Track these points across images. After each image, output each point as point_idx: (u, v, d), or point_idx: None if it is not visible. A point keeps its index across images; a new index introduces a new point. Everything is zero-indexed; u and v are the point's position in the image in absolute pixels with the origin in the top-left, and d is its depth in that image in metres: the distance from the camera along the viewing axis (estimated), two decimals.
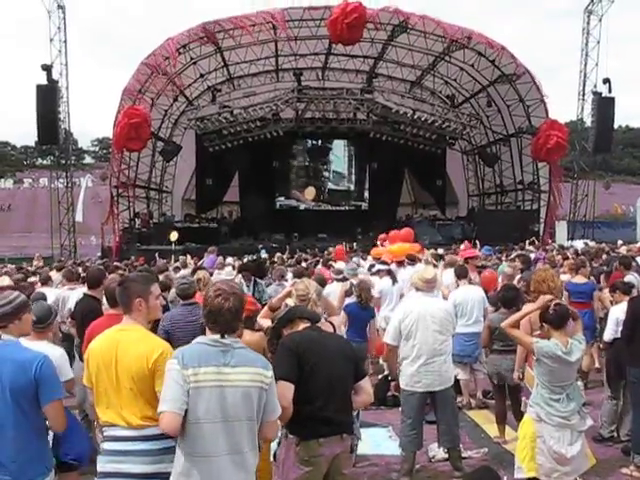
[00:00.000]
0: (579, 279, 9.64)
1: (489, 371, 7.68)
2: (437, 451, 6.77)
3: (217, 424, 3.39)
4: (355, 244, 22.76)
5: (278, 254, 18.20)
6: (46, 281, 10.71)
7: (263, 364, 3.56)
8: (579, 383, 5.49)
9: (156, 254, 20.60)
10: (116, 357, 3.82)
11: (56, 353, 4.90)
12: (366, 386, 4.33)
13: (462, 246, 15.71)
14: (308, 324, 4.33)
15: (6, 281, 10.41)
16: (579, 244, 20.33)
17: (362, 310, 8.45)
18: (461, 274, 9.64)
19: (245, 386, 3.43)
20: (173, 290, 8.09)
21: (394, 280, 10.43)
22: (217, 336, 3.53)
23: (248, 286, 9.50)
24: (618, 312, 7.07)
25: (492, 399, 8.77)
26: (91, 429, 6.07)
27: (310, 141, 34.10)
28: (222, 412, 3.39)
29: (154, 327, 4.98)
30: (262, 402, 3.49)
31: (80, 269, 13.50)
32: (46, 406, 3.83)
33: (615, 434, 7.19)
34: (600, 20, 30.05)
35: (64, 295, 9.17)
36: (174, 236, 24.30)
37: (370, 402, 4.53)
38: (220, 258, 15.91)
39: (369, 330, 8.63)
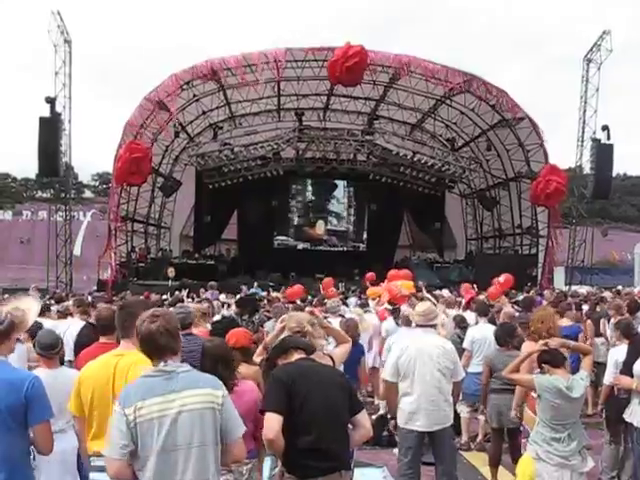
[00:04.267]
0: (565, 322, 9.59)
1: (489, 412, 7.55)
2: None
3: (169, 454, 3.28)
4: (342, 285, 22.45)
5: (274, 293, 18.09)
6: (44, 312, 10.63)
7: (212, 384, 3.46)
8: None
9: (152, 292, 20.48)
10: (113, 381, 3.75)
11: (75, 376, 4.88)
12: (363, 420, 4.18)
13: (462, 289, 15.68)
14: (302, 355, 4.25)
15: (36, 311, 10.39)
16: (582, 290, 20.28)
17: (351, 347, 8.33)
18: (482, 312, 9.59)
19: (194, 409, 3.32)
20: None
21: (397, 319, 10.29)
22: (161, 364, 3.43)
23: (244, 320, 9.49)
24: (617, 354, 6.98)
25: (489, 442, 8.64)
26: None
27: (313, 179, 34.09)
28: (172, 441, 3.28)
29: None
30: (217, 424, 3.37)
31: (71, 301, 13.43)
32: (35, 426, 3.77)
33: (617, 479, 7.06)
34: (599, 68, 30.38)
35: (59, 325, 9.14)
36: (172, 272, 24.23)
37: (369, 437, 4.36)
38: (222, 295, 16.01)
39: (359, 368, 8.55)
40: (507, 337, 7.39)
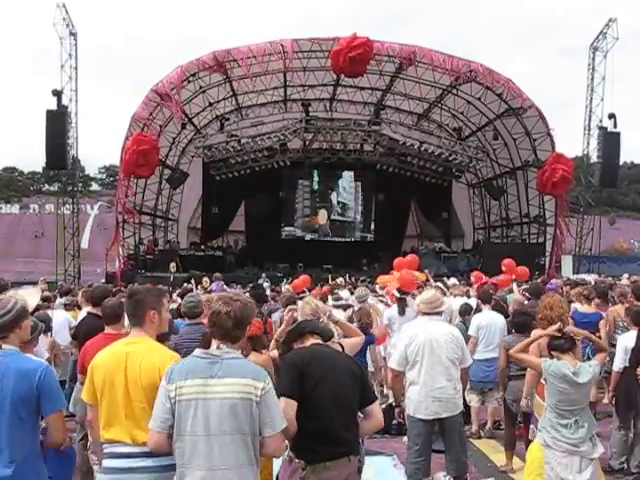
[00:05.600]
0: (587, 308, 9.54)
1: (509, 398, 7.53)
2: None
3: (199, 437, 3.33)
4: (346, 276, 22.26)
5: (286, 286, 17.92)
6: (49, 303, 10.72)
7: (254, 374, 3.45)
8: None
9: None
10: (125, 369, 3.75)
11: None
12: (375, 410, 4.19)
13: (473, 276, 15.69)
14: (318, 340, 4.25)
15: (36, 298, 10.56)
16: (589, 278, 20.23)
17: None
18: (485, 299, 9.59)
19: (231, 397, 3.35)
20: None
21: (402, 308, 10.26)
22: (214, 346, 3.49)
23: (261, 312, 9.53)
24: (626, 340, 7.00)
25: (501, 429, 8.67)
26: (84, 449, 6.00)
27: (318, 170, 34.05)
28: (205, 425, 3.33)
29: None
30: (255, 414, 3.38)
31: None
32: (49, 416, 3.79)
33: (625, 465, 7.07)
34: (605, 57, 30.31)
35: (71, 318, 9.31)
36: (173, 267, 24.36)
37: (381, 427, 4.38)
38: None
39: (369, 355, 8.57)
40: (524, 327, 7.38)
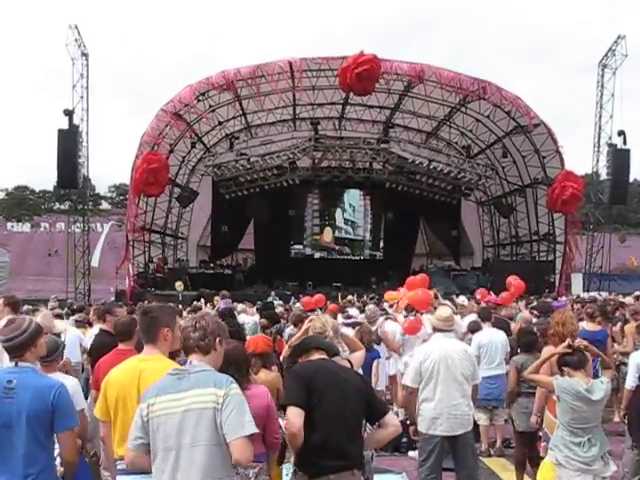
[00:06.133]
0: (592, 326, 9.51)
1: (514, 415, 7.51)
2: None
3: (171, 452, 3.33)
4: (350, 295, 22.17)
5: (297, 304, 17.92)
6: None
7: (218, 383, 3.43)
8: None
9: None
10: (138, 386, 3.79)
11: (70, 382, 4.90)
12: (392, 419, 4.26)
13: (477, 293, 15.70)
14: (323, 355, 4.29)
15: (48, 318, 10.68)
16: (599, 297, 20.16)
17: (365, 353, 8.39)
18: (485, 317, 9.61)
19: (198, 408, 3.35)
20: None
21: None
22: (187, 363, 3.54)
23: (270, 332, 9.64)
24: (638, 358, 6.94)
25: (510, 447, 8.62)
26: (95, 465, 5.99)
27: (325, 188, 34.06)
28: (177, 440, 3.33)
29: None
30: (219, 423, 3.36)
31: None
32: (61, 434, 3.84)
33: None
34: (614, 73, 30.29)
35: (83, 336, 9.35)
36: (180, 286, 24.40)
37: (399, 433, 4.46)
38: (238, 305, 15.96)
39: (374, 370, 8.71)
40: (531, 346, 7.39)
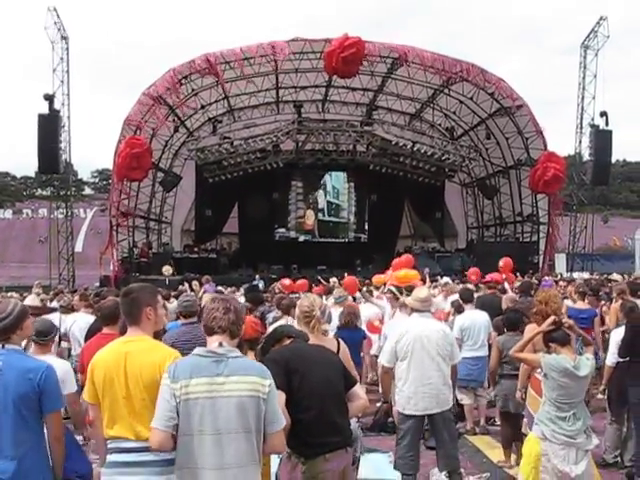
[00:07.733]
0: (580, 305, 9.61)
1: (498, 395, 7.60)
2: (439, 476, 6.67)
3: (207, 436, 3.32)
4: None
5: (278, 285, 17.89)
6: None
7: (260, 372, 3.48)
8: None
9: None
10: (125, 367, 3.79)
11: (62, 366, 4.94)
12: (359, 391, 4.33)
13: (470, 273, 15.82)
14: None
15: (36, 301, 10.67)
16: (582, 276, 20.37)
17: (352, 332, 8.45)
18: (467, 298, 9.66)
19: (239, 396, 3.36)
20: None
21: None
22: (215, 344, 3.51)
23: (255, 315, 9.62)
24: (619, 335, 7.03)
25: (495, 425, 8.72)
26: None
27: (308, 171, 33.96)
28: (213, 424, 3.33)
29: None
30: (261, 412, 3.40)
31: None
32: (47, 415, 3.87)
33: (619, 459, 7.13)
34: (596, 55, 30.42)
35: (66, 319, 9.29)
36: (168, 270, 24.33)
37: (367, 406, 4.53)
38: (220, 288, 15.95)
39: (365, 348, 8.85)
40: (516, 324, 7.45)
